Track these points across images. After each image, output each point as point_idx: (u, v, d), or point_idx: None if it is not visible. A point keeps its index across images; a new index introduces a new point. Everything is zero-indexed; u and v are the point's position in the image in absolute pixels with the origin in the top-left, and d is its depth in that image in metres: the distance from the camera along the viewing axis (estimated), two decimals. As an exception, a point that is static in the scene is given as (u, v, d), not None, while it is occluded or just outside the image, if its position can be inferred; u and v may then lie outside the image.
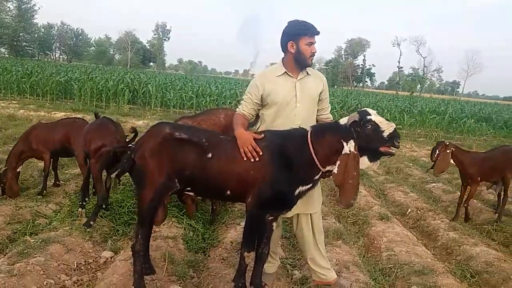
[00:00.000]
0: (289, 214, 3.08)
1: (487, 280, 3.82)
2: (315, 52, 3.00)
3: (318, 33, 2.98)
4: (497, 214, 5.50)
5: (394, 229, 4.83)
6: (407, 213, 5.78)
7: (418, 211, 5.72)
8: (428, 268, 3.78)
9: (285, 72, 3.05)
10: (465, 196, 5.37)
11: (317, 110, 3.18)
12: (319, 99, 3.15)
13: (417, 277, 3.65)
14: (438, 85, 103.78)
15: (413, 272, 3.73)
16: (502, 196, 5.53)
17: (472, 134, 15.96)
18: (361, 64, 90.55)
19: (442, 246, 4.71)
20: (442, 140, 5.63)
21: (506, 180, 5.37)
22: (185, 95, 16.96)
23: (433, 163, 5.26)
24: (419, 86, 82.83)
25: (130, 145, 4.38)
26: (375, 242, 4.57)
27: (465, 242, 4.56)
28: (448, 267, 4.03)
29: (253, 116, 3.18)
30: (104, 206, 4.54)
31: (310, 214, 3.18)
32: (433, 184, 7.34)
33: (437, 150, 5.13)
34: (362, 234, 4.88)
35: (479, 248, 4.36)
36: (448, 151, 5.02)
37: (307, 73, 3.09)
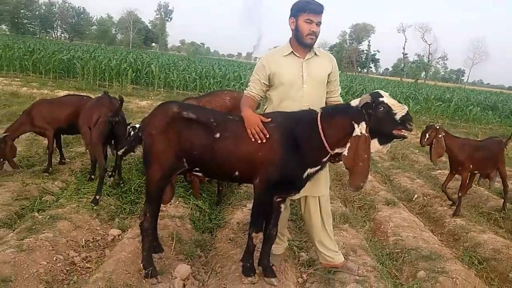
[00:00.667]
0: (297, 196, 3.05)
1: (495, 267, 3.81)
2: (314, 31, 2.87)
3: (319, 11, 2.85)
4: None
5: (400, 214, 4.81)
6: (414, 199, 5.76)
7: (425, 197, 5.70)
8: (435, 253, 3.77)
9: (292, 52, 2.98)
10: (448, 183, 5.35)
11: (326, 92, 3.11)
12: (328, 81, 3.07)
13: (424, 262, 3.63)
14: (442, 73, 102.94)
15: (421, 257, 3.71)
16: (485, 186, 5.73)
17: (478, 122, 15.88)
18: (366, 50, 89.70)
19: (449, 232, 4.69)
20: (432, 123, 5.41)
21: (501, 172, 5.33)
22: (189, 77, 16.84)
23: (429, 152, 5.08)
24: (423, 73, 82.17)
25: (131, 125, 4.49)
26: (382, 226, 4.56)
27: (472, 229, 4.54)
28: (456, 253, 4.02)
29: (261, 97, 3.12)
30: (116, 180, 4.65)
31: (318, 197, 3.15)
32: (439, 171, 7.31)
33: (427, 134, 4.91)
34: (369, 218, 4.87)
35: (486, 236, 4.34)
36: (439, 135, 4.81)
37: (315, 53, 3.01)
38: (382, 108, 2.56)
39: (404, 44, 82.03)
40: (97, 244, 3.54)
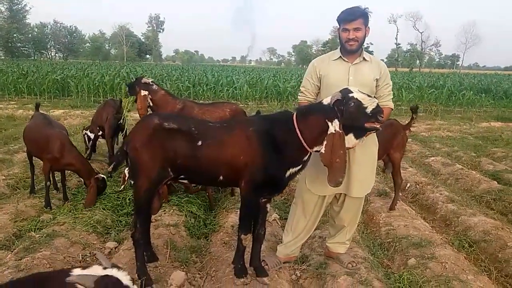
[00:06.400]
0: (358, 193, 3.22)
1: (484, 248, 3.88)
2: (350, 38, 2.97)
3: (351, 18, 2.95)
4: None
5: (392, 204, 4.88)
6: (406, 188, 5.83)
7: (417, 185, 5.76)
8: (426, 240, 3.85)
9: (340, 56, 3.10)
10: None
11: (377, 97, 3.03)
12: (377, 86, 3.12)
13: (415, 249, 3.71)
14: (437, 59, 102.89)
15: (411, 245, 3.79)
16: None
17: (472, 106, 15.94)
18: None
19: (441, 218, 4.77)
20: None
21: (393, 159, 4.64)
22: (182, 85, 16.95)
23: None
24: (418, 61, 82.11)
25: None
26: (374, 218, 4.64)
27: (463, 213, 4.61)
28: (446, 238, 4.10)
29: (315, 99, 3.21)
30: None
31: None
32: (432, 158, 7.37)
33: None
34: (362, 211, 4.92)
35: (477, 218, 4.41)
36: None
37: (364, 58, 3.09)
38: (353, 103, 2.62)
39: (396, 34, 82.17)
40: (94, 258, 3.62)
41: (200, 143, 2.83)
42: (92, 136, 6.59)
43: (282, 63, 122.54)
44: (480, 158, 7.48)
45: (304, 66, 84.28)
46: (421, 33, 79.36)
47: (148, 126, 2.91)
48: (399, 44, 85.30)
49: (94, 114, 6.63)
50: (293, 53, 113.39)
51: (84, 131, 6.79)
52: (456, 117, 13.80)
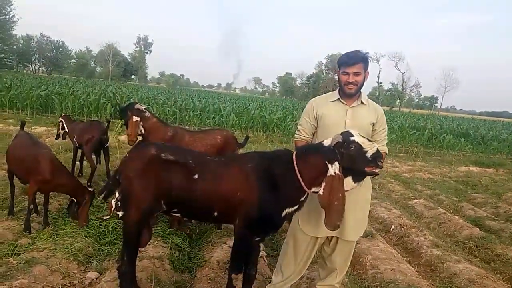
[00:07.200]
0: (351, 237, 3.18)
1: (470, 297, 3.90)
2: (350, 81, 3.00)
3: (351, 63, 2.98)
4: None
5: (378, 246, 4.88)
6: (391, 230, 5.86)
7: (402, 228, 5.80)
8: (413, 286, 3.84)
9: (338, 98, 3.13)
10: None
11: None
12: (373, 130, 3.16)
13: (402, 295, 3.69)
14: (417, 100, 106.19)
15: (399, 290, 3.77)
16: None
17: (451, 149, 16.35)
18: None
19: (426, 263, 4.78)
20: None
21: None
22: (168, 110, 16.88)
23: None
24: (398, 101, 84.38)
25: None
26: (361, 259, 4.61)
27: (448, 259, 4.64)
28: (433, 285, 4.10)
29: (311, 138, 3.25)
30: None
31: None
32: (415, 200, 7.46)
33: None
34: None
35: (462, 265, 4.44)
36: None
37: (362, 102, 3.13)
38: (353, 147, 2.64)
39: (379, 73, 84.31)
40: (74, 289, 3.48)
41: (196, 176, 2.78)
42: (66, 127, 6.90)
43: (267, 93, 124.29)
44: (462, 203, 7.61)
45: (289, 98, 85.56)
46: (402, 73, 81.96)
47: (144, 155, 2.85)
48: (380, 82, 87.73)
49: (75, 126, 6.82)
50: (277, 84, 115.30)
51: (61, 119, 7.00)
52: (437, 160, 14.10)
